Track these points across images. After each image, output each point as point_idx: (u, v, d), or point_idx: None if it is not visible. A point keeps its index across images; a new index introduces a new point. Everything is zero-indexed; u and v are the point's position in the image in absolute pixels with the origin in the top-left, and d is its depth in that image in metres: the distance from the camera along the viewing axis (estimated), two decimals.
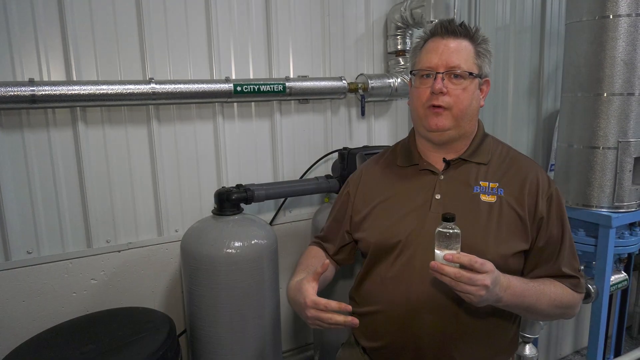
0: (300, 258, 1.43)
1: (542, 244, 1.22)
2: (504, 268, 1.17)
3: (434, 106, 1.20)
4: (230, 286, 1.75)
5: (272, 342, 1.89)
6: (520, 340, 2.21)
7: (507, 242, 1.18)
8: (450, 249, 1.04)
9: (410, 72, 1.30)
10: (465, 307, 1.18)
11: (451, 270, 1.02)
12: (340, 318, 1.09)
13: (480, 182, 1.23)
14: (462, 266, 1.02)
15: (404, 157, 1.35)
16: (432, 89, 1.19)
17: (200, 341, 1.82)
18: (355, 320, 1.09)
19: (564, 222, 1.24)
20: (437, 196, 1.24)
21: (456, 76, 1.19)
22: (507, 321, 1.27)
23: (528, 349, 2.17)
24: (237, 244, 1.75)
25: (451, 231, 1.03)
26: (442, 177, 1.26)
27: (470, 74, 1.19)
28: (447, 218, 1.04)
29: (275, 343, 1.92)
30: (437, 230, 1.05)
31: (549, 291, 1.19)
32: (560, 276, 1.23)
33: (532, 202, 1.21)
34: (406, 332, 1.21)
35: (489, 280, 1.02)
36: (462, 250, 1.08)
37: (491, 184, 1.23)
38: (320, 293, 1.15)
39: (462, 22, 1.23)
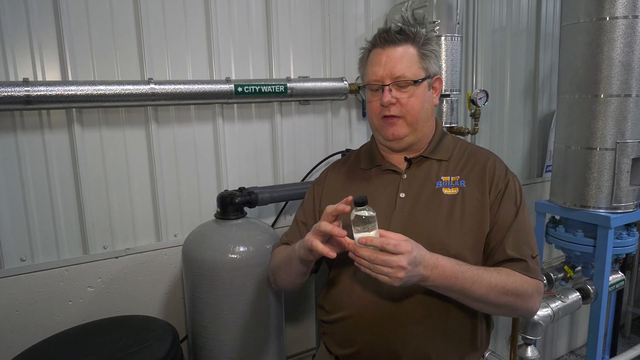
0: (276, 257, 1.41)
1: (490, 228, 1.22)
2: (473, 259, 1.18)
3: (387, 116, 1.23)
4: (234, 292, 1.70)
5: (277, 347, 1.85)
6: (522, 342, 2.21)
7: (471, 233, 1.20)
8: (365, 232, 1.01)
9: (359, 87, 1.32)
10: (436, 306, 1.18)
11: (365, 252, 1.01)
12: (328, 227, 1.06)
13: (442, 177, 1.26)
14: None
15: (367, 159, 1.38)
16: (380, 101, 1.22)
17: (203, 349, 1.76)
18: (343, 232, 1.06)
19: (519, 209, 1.23)
20: (402, 195, 1.25)
21: (403, 85, 1.21)
22: (478, 319, 1.26)
23: (530, 351, 2.17)
24: (241, 249, 1.70)
25: (366, 214, 1.01)
26: (405, 175, 1.28)
27: (416, 81, 1.21)
28: (358, 202, 1.02)
29: (280, 349, 1.88)
30: (352, 215, 1.03)
31: (489, 276, 1.13)
32: (509, 260, 1.19)
33: (489, 187, 1.23)
34: (378, 335, 1.20)
35: (405, 262, 0.99)
36: (428, 245, 1.07)
37: (452, 178, 1.26)
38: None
39: (400, 28, 1.24)
